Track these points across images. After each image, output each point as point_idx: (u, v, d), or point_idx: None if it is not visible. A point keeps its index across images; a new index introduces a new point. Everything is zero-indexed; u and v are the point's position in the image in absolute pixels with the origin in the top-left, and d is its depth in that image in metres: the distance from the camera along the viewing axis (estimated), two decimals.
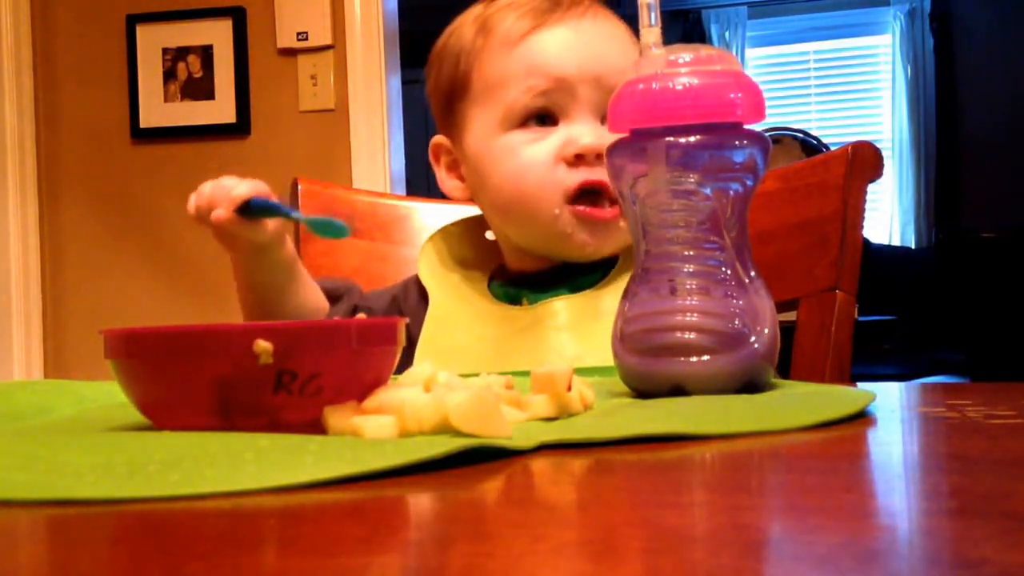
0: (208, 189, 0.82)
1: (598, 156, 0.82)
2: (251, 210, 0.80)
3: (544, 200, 0.85)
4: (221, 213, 0.79)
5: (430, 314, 0.90)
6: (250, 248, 0.85)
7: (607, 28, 0.88)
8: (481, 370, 0.58)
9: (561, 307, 0.86)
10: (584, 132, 0.84)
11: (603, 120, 0.84)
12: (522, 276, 0.91)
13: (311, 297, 0.92)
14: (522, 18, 0.87)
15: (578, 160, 0.83)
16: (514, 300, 0.89)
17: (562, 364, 0.48)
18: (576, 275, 0.89)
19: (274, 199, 0.82)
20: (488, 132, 0.88)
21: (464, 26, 0.91)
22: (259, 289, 0.88)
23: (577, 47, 0.86)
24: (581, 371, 0.54)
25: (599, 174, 0.83)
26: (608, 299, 0.86)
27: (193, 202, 0.82)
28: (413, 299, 0.94)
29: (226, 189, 0.80)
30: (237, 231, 0.81)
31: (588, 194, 0.85)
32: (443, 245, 0.95)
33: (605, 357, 0.81)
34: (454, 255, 0.94)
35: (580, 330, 0.84)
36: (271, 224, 0.83)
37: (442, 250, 0.95)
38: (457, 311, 0.90)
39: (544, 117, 0.86)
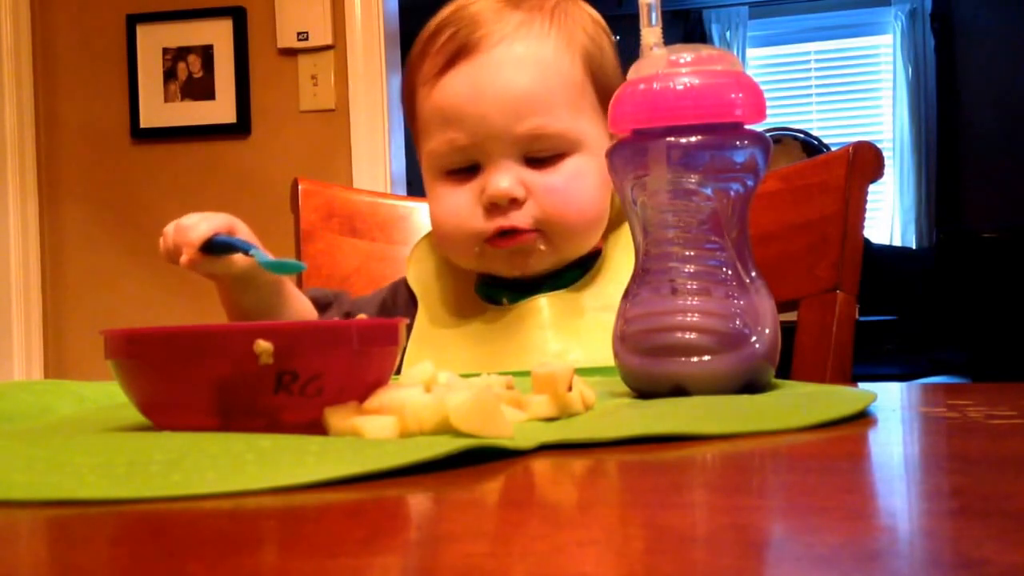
0: (171, 231, 0.82)
1: (512, 201, 0.84)
2: (215, 248, 0.80)
3: (467, 245, 0.87)
4: (185, 257, 0.80)
5: (419, 318, 0.91)
6: (229, 278, 0.85)
7: (525, 53, 0.85)
8: (468, 370, 0.58)
9: (543, 304, 0.87)
10: (499, 178, 0.83)
11: (524, 157, 0.84)
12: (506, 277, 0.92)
13: (301, 314, 0.92)
14: (435, 57, 0.86)
15: (493, 207, 0.84)
16: (497, 301, 0.90)
17: (562, 364, 0.48)
18: (558, 273, 0.89)
19: (239, 233, 0.83)
20: (425, 171, 0.90)
21: (417, 44, 0.91)
22: (247, 314, 0.88)
23: (485, 94, 0.84)
24: (582, 372, 0.54)
25: (513, 219, 0.84)
26: (589, 295, 0.87)
27: (161, 245, 0.83)
28: (403, 301, 0.95)
29: (186, 230, 0.80)
30: (207, 270, 0.82)
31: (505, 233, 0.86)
32: (431, 249, 0.96)
33: (587, 352, 0.82)
34: (442, 258, 0.94)
35: (562, 326, 0.85)
36: (241, 258, 0.83)
37: (430, 254, 0.95)
38: (445, 314, 0.91)
39: (467, 166, 0.86)
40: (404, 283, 0.96)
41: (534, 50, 0.85)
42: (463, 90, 0.84)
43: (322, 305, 0.96)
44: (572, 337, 0.84)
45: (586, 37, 0.88)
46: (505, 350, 0.85)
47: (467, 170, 0.86)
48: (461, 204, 0.86)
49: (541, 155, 0.85)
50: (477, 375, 0.54)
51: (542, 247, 0.85)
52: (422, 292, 0.93)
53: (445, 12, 0.89)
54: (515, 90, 0.83)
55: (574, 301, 0.87)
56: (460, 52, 0.85)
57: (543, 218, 0.84)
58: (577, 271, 0.89)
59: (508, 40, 0.84)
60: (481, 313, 0.89)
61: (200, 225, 0.80)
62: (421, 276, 0.94)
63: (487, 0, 0.87)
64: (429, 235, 0.97)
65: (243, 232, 0.84)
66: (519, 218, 0.84)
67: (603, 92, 0.86)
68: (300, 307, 0.92)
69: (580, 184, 0.85)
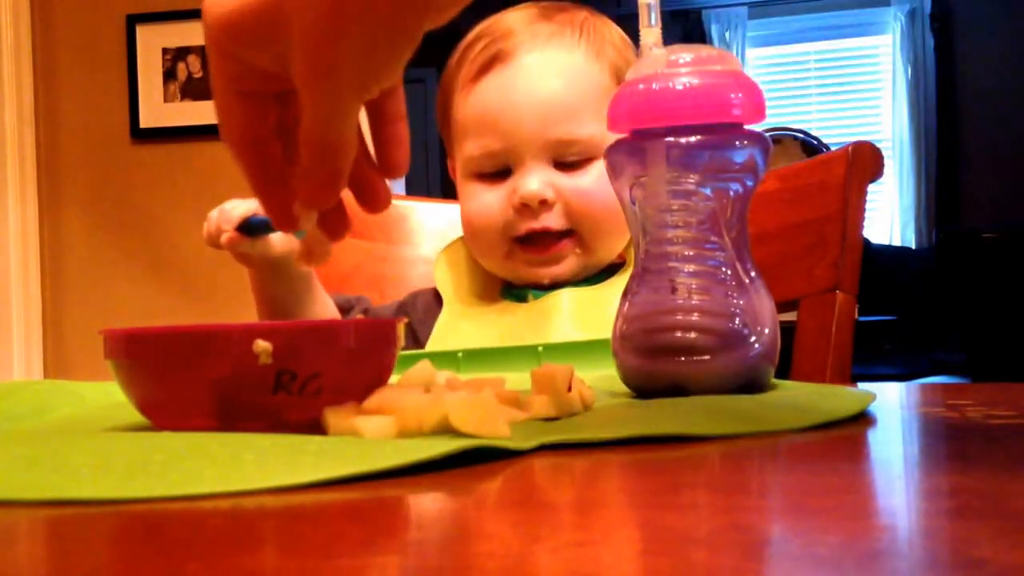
0: (215, 214, 0.86)
1: (543, 202, 0.87)
2: (252, 228, 0.84)
3: (496, 244, 0.90)
4: (225, 237, 0.84)
5: (443, 315, 0.94)
6: (265, 263, 0.88)
7: (556, 60, 0.89)
8: None
9: (566, 297, 0.89)
10: (529, 180, 0.87)
11: (554, 161, 0.88)
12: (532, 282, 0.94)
13: (325, 311, 0.95)
14: (471, 64, 0.90)
15: (524, 208, 0.87)
16: (523, 300, 0.92)
17: (562, 365, 0.48)
18: (582, 281, 0.92)
19: None
20: (459, 170, 0.94)
21: (454, 54, 0.94)
22: (276, 303, 0.91)
23: (518, 99, 0.88)
24: (582, 368, 0.54)
25: (544, 220, 0.88)
26: (612, 292, 0.88)
27: (205, 229, 0.87)
28: (421, 308, 0.98)
29: (227, 212, 0.85)
30: (245, 250, 0.85)
31: (536, 235, 0.88)
32: (458, 253, 0.98)
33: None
34: (470, 261, 0.96)
35: (583, 316, 0.88)
36: (280, 239, 0.86)
37: (458, 258, 0.98)
38: (468, 310, 0.94)
39: (499, 170, 0.90)
40: (426, 291, 1.00)
41: (564, 58, 0.89)
42: (497, 95, 0.89)
43: (344, 310, 0.99)
44: (594, 328, 0.86)
45: (614, 50, 0.92)
46: (526, 340, 0.87)
47: (499, 174, 0.90)
48: (492, 203, 0.89)
49: (570, 159, 0.88)
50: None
51: (577, 251, 0.88)
52: (447, 290, 0.96)
53: (482, 24, 0.94)
54: (547, 96, 0.88)
55: (597, 295, 0.89)
56: (494, 59, 0.89)
57: (574, 218, 0.87)
58: (601, 276, 0.91)
59: (540, 49, 0.89)
60: (503, 309, 0.92)
61: (239, 206, 0.84)
62: (448, 276, 0.97)
63: (521, 13, 0.92)
64: (456, 241, 0.99)
65: None
66: (550, 219, 0.87)
67: None
68: (325, 306, 0.95)
69: (608, 186, 0.87)
